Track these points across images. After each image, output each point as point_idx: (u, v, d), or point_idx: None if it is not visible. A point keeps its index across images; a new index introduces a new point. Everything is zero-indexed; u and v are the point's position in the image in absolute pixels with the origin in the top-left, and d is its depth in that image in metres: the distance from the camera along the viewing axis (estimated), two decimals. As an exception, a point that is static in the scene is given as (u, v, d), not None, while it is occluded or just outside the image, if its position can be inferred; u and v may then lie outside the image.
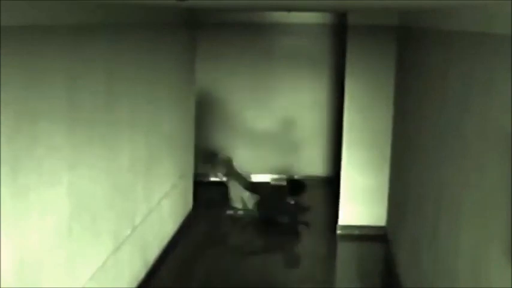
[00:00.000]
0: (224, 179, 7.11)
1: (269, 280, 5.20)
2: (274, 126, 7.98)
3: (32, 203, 2.95)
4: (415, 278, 4.22)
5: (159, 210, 5.36)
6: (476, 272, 2.65)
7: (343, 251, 6.10)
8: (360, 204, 6.18)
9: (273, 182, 7.82)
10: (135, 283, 4.72)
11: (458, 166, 3.07)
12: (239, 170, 7.50)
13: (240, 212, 6.85)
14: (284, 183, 7.21)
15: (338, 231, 6.24)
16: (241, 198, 6.93)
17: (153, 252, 5.23)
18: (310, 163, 8.02)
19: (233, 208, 6.93)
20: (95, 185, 3.80)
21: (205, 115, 7.83)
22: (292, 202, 6.59)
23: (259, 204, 6.79)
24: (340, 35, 7.45)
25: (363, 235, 6.15)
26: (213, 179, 7.61)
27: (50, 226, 3.18)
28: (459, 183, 3.03)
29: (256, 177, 7.96)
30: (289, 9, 5.77)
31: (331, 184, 7.46)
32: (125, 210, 4.40)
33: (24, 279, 2.92)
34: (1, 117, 2.61)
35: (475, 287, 2.66)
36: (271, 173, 8.02)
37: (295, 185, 6.78)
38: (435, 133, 3.70)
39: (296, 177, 7.68)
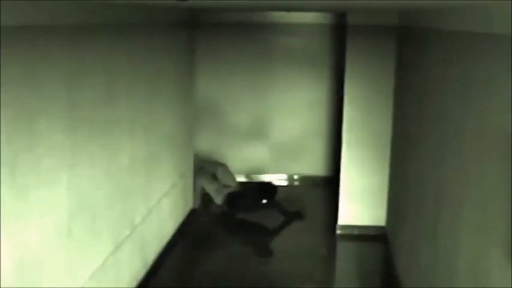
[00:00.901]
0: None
1: (269, 280, 5.20)
2: (274, 126, 7.98)
3: (31, 202, 2.95)
4: (414, 278, 4.22)
5: (159, 209, 5.36)
6: (476, 272, 2.65)
7: (343, 251, 6.11)
8: (360, 204, 6.18)
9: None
10: (135, 283, 4.72)
11: (458, 166, 3.07)
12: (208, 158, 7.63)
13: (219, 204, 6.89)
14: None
15: (338, 231, 6.24)
16: (214, 190, 6.93)
17: (153, 252, 5.23)
18: (310, 163, 8.02)
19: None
20: (95, 184, 3.80)
21: (203, 115, 7.83)
22: (264, 201, 6.65)
23: (229, 201, 6.80)
24: (340, 35, 7.45)
25: (363, 235, 6.15)
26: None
27: (50, 226, 3.18)
28: (459, 183, 3.03)
29: (256, 178, 7.98)
30: (288, 9, 5.77)
31: (331, 184, 7.47)
32: (124, 210, 4.40)
33: (24, 279, 2.92)
34: (1, 117, 2.61)
35: (475, 287, 2.66)
36: (270, 173, 8.02)
37: (266, 188, 6.80)
38: (435, 133, 3.70)
39: (266, 180, 7.75)
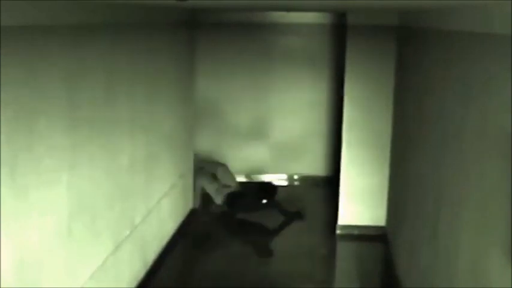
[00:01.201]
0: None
1: (269, 280, 5.20)
2: (274, 126, 7.98)
3: (31, 202, 2.95)
4: (414, 278, 4.22)
5: (159, 209, 5.36)
6: (476, 272, 2.65)
7: (343, 250, 6.11)
8: (360, 204, 6.18)
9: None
10: (135, 283, 4.72)
11: (458, 166, 3.07)
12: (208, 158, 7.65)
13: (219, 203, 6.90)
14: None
15: (337, 231, 6.24)
16: (214, 190, 6.93)
17: (153, 252, 5.23)
18: (310, 163, 8.02)
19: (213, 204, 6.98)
20: (95, 184, 3.80)
21: (203, 115, 7.82)
22: (264, 201, 6.67)
23: (229, 201, 6.81)
24: (340, 35, 7.45)
25: (363, 235, 6.15)
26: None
27: (50, 226, 3.18)
28: (459, 183, 3.03)
29: (256, 178, 7.98)
30: (288, 9, 5.77)
31: (331, 184, 7.47)
32: (124, 210, 4.40)
33: (24, 279, 2.92)
34: (1, 117, 2.61)
35: (475, 287, 2.66)
36: (270, 173, 8.02)
37: (266, 188, 6.80)
38: (435, 133, 3.70)
39: (266, 180, 7.76)
